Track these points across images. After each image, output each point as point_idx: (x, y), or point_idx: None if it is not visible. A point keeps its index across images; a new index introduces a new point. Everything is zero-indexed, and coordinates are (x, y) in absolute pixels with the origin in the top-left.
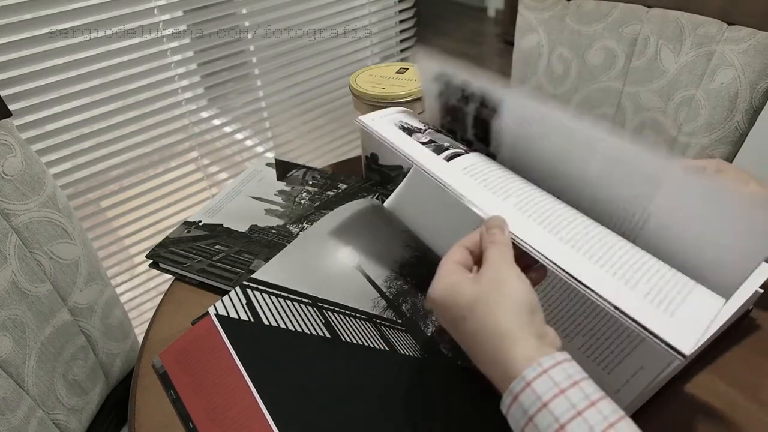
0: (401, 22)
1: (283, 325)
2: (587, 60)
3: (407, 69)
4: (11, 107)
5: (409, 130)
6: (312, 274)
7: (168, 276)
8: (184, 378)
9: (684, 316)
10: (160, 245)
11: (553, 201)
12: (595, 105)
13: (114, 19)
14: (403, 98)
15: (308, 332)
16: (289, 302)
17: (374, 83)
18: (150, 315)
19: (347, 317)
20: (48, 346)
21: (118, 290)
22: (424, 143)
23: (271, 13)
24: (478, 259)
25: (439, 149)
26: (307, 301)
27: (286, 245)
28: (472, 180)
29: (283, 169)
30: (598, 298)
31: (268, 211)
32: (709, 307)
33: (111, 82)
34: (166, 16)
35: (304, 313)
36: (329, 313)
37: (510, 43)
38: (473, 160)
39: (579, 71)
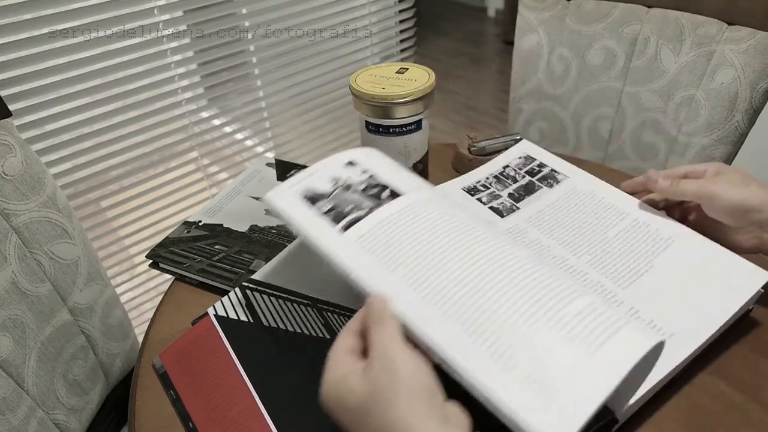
0: (401, 22)
1: (282, 326)
2: (587, 60)
3: (407, 69)
4: (11, 107)
5: (313, 199)
6: (311, 275)
7: (168, 276)
8: (184, 378)
9: (562, 405)
10: (160, 245)
11: (453, 260)
12: (595, 105)
13: (114, 19)
14: (403, 98)
15: (307, 333)
16: (288, 303)
17: (374, 83)
18: (150, 315)
19: (346, 318)
20: (48, 346)
21: (118, 290)
22: (325, 212)
23: (271, 13)
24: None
25: (339, 216)
26: (306, 302)
27: (286, 245)
28: (364, 251)
29: (283, 169)
30: (471, 387)
31: (268, 211)
32: (595, 393)
33: (111, 82)
34: (166, 16)
35: (304, 314)
36: (328, 314)
37: (510, 43)
38: (373, 222)
39: (579, 71)
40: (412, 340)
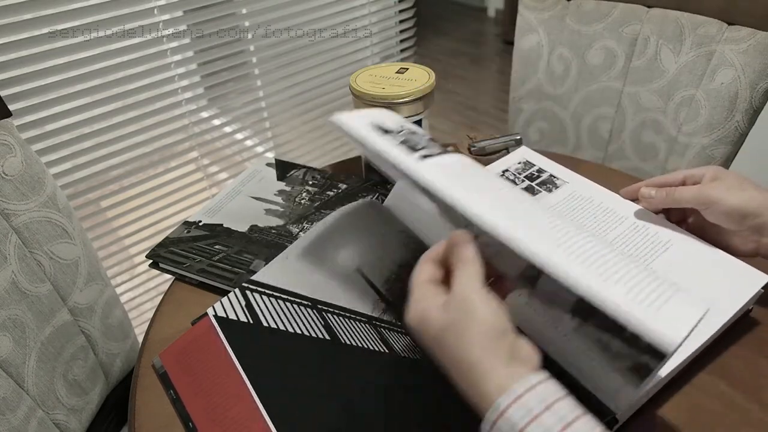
0: (401, 22)
1: (282, 327)
2: (587, 60)
3: (407, 69)
4: (11, 107)
5: (383, 131)
6: (311, 276)
7: (168, 276)
8: (184, 378)
9: (667, 315)
10: (160, 245)
11: (530, 205)
12: (595, 105)
13: (114, 19)
14: (403, 98)
15: (307, 334)
16: (288, 304)
17: (374, 83)
18: (150, 315)
19: (346, 319)
20: (48, 346)
21: (118, 290)
22: (399, 143)
23: (271, 13)
24: (447, 270)
25: (413, 149)
26: (306, 303)
27: (286, 245)
28: (447, 175)
29: (283, 169)
30: (581, 293)
31: (268, 211)
32: (691, 311)
33: (111, 82)
34: (166, 16)
35: (304, 316)
36: (329, 315)
37: (510, 43)
38: (448, 161)
39: (579, 71)
40: (491, 274)
